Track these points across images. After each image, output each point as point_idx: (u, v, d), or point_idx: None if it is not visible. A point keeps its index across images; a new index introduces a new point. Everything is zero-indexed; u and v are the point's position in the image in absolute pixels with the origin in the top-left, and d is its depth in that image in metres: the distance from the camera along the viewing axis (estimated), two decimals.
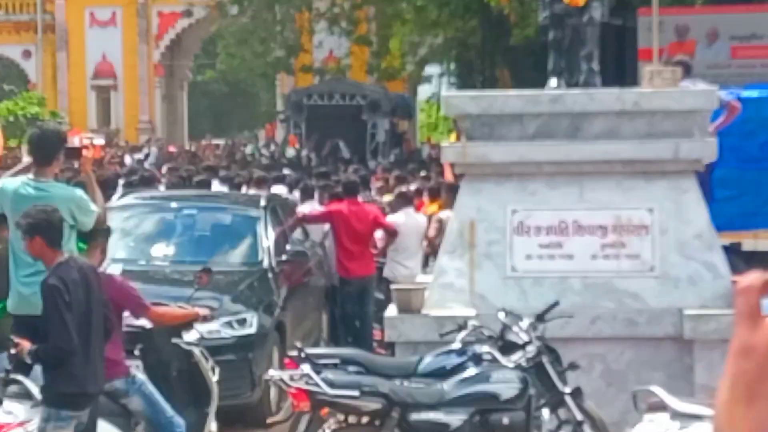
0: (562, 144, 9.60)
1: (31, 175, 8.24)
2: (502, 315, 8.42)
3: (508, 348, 8.22)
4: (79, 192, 8.34)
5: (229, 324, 10.51)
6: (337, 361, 8.28)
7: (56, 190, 8.17)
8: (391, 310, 9.76)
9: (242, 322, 10.63)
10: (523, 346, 8.19)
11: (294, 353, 8.23)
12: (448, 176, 16.83)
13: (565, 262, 9.53)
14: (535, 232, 9.59)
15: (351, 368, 8.23)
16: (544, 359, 8.19)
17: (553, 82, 10.23)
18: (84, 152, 8.55)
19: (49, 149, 8.27)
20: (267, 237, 12.12)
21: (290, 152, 32.40)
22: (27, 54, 55.24)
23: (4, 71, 56.68)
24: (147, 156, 34.49)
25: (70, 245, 8.09)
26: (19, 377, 7.91)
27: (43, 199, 8.01)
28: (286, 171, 21.38)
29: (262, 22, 33.53)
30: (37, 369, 8.20)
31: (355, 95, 36.30)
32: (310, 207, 15.02)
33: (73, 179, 9.60)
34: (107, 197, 13.54)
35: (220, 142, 47.49)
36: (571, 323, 8.87)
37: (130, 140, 48.62)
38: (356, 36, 35.03)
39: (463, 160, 9.92)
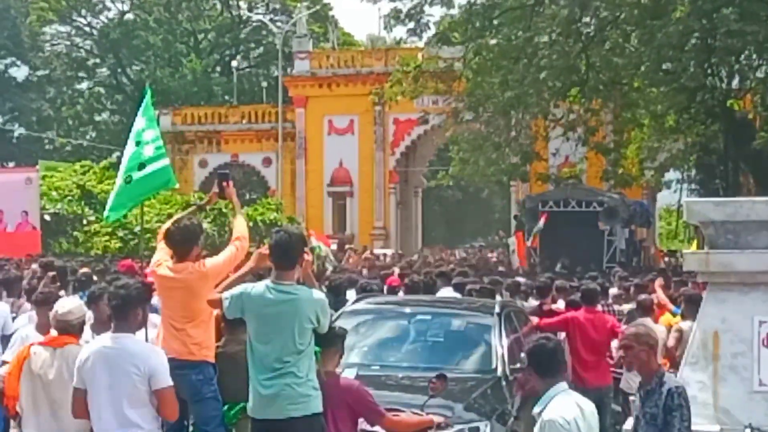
0: None
1: (272, 279, 8.28)
2: (748, 431, 8.00)
3: None
4: (322, 294, 8.43)
5: None
6: None
7: (302, 293, 8.21)
8: (630, 423, 9.40)
9: (475, 431, 10.40)
10: None
11: None
12: (660, 295, 16.20)
13: None
14: None
15: None
16: None
17: None
18: (305, 256, 8.57)
19: (294, 253, 8.31)
20: (501, 344, 11.90)
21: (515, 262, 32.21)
22: (267, 161, 56.98)
23: (245, 178, 58.57)
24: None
25: (311, 348, 8.11)
26: None
27: (290, 302, 8.08)
28: (519, 279, 21.14)
29: (497, 128, 33.62)
30: None
31: (591, 202, 35.91)
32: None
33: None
34: (340, 303, 13.67)
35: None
36: None
37: (364, 246, 49.31)
38: (593, 143, 34.76)
39: (707, 269, 9.54)
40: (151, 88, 10.58)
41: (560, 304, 15.57)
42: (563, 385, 7.06)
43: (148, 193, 10.55)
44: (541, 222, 32.55)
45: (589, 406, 7.13)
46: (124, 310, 7.84)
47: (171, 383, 7.75)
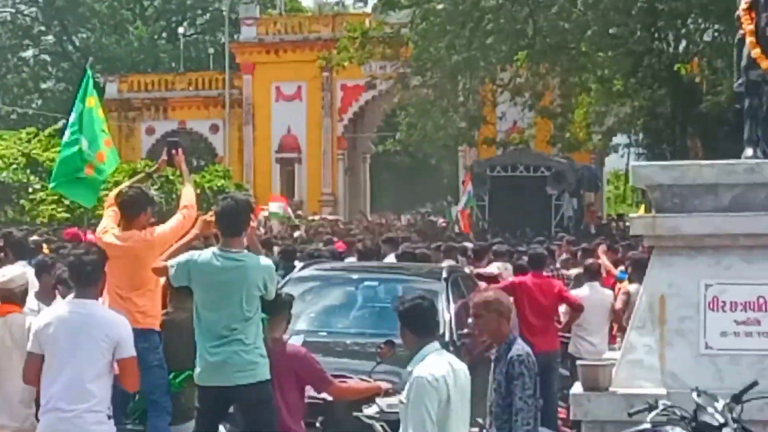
0: (760, 216, 9.16)
1: (219, 246, 8.23)
2: (695, 394, 8.00)
3: (701, 430, 7.78)
4: (269, 261, 8.45)
5: None
6: None
7: (250, 260, 8.20)
8: (577, 388, 9.42)
9: None
10: (718, 429, 7.74)
11: (476, 430, 7.96)
12: (604, 261, 16.14)
13: (765, 339, 9.03)
14: (731, 308, 9.14)
15: None
16: None
17: (749, 151, 9.79)
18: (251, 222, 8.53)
19: (241, 220, 8.29)
20: (448, 310, 11.89)
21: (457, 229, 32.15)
22: (215, 128, 56.69)
23: (192, 145, 58.21)
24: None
25: (258, 315, 8.12)
26: None
27: (237, 270, 8.06)
28: (467, 244, 21.15)
29: (444, 92, 33.58)
30: None
31: (539, 167, 36.04)
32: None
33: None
34: (290, 269, 13.62)
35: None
36: None
37: (314, 212, 49.20)
38: (540, 108, 34.82)
39: (653, 232, 9.56)
40: (92, 68, 10.51)
41: (492, 268, 15.49)
42: (436, 344, 7.05)
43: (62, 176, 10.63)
44: (469, 188, 32.48)
45: (462, 367, 7.08)
46: (90, 276, 7.70)
47: (134, 353, 7.66)
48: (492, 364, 7.41)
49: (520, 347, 7.15)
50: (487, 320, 7.28)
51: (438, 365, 6.85)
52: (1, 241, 15.76)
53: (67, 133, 10.79)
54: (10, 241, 14.56)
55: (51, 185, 11.73)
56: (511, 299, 13.34)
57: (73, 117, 10.61)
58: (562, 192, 35.73)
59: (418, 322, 7.06)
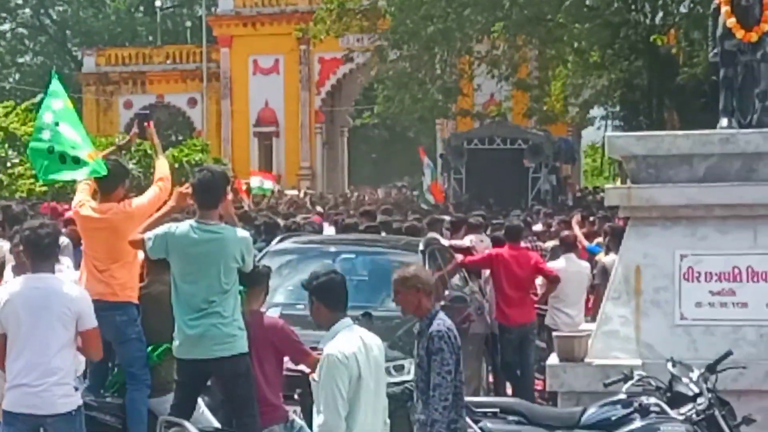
0: (735, 186, 9.22)
1: (196, 218, 8.23)
2: (670, 365, 8.08)
3: (676, 400, 7.87)
4: (246, 233, 8.43)
5: (386, 370, 10.27)
6: (496, 410, 8.05)
7: (227, 232, 8.19)
8: (553, 359, 9.49)
9: (400, 369, 10.44)
10: (693, 398, 7.83)
11: None
12: (576, 233, 16.20)
13: (739, 310, 9.12)
14: (706, 279, 9.21)
15: (511, 418, 8.00)
16: (716, 412, 7.80)
17: (724, 121, 9.83)
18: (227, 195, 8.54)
19: (218, 192, 8.28)
20: None
21: (431, 200, 32.10)
22: (193, 102, 56.48)
23: (171, 119, 58.01)
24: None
25: (236, 288, 8.13)
26: (181, 421, 7.91)
27: (215, 241, 8.06)
28: (446, 216, 21.15)
29: (422, 65, 33.54)
30: (198, 413, 8.18)
31: (516, 139, 36.07)
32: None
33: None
34: (268, 242, 13.61)
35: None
36: (746, 375, 8.47)
37: (292, 186, 49.12)
38: (516, 80, 34.81)
39: (629, 203, 9.61)
40: (57, 75, 10.35)
41: (465, 241, 15.51)
42: (347, 320, 7.04)
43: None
44: (426, 161, 32.53)
45: (375, 341, 7.07)
46: (47, 249, 7.68)
47: (96, 324, 7.68)
48: (416, 341, 7.41)
49: (441, 322, 7.12)
50: (405, 296, 7.27)
51: (348, 342, 6.85)
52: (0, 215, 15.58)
53: (47, 132, 10.68)
54: (8, 215, 14.44)
55: (39, 179, 11.65)
56: (488, 271, 13.53)
57: (48, 117, 10.50)
58: (539, 165, 35.78)
59: (332, 297, 7.07)
